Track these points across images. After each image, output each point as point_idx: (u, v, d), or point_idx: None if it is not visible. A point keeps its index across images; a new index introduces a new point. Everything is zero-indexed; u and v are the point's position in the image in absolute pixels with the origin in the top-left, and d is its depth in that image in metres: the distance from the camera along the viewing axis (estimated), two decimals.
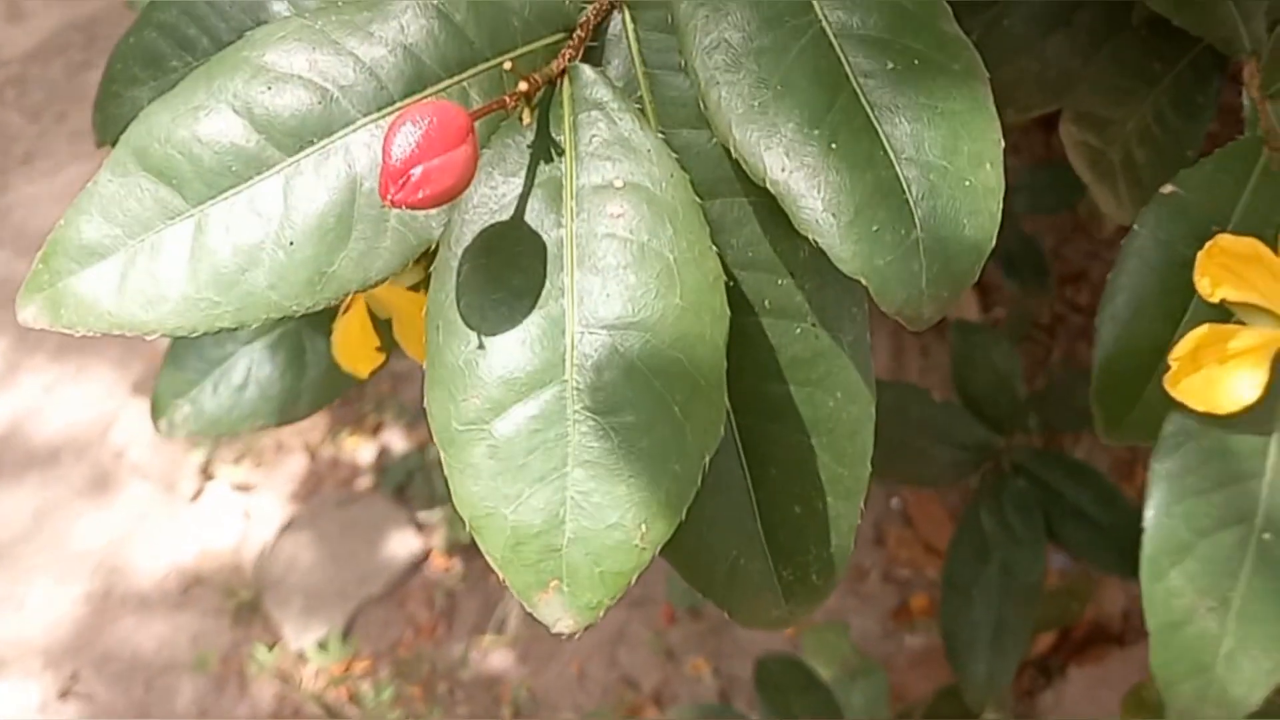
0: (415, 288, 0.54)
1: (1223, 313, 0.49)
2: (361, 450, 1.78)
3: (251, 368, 0.62)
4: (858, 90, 0.39)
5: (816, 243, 0.38)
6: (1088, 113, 0.69)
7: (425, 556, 1.69)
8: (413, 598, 1.67)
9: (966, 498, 1.11)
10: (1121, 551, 0.96)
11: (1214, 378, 0.48)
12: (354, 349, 0.58)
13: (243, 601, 1.67)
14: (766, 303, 0.43)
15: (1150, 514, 0.50)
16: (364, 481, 1.76)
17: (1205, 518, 0.49)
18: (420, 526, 1.71)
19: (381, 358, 0.57)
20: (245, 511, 1.76)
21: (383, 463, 1.77)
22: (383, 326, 0.57)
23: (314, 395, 0.62)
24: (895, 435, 0.99)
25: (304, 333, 0.62)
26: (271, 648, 1.63)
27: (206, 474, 1.79)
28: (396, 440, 1.77)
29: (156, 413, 0.61)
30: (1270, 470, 0.49)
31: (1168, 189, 0.52)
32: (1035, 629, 1.09)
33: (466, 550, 1.68)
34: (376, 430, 1.79)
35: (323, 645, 1.63)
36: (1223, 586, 0.49)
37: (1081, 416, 1.06)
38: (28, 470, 1.79)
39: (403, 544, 1.69)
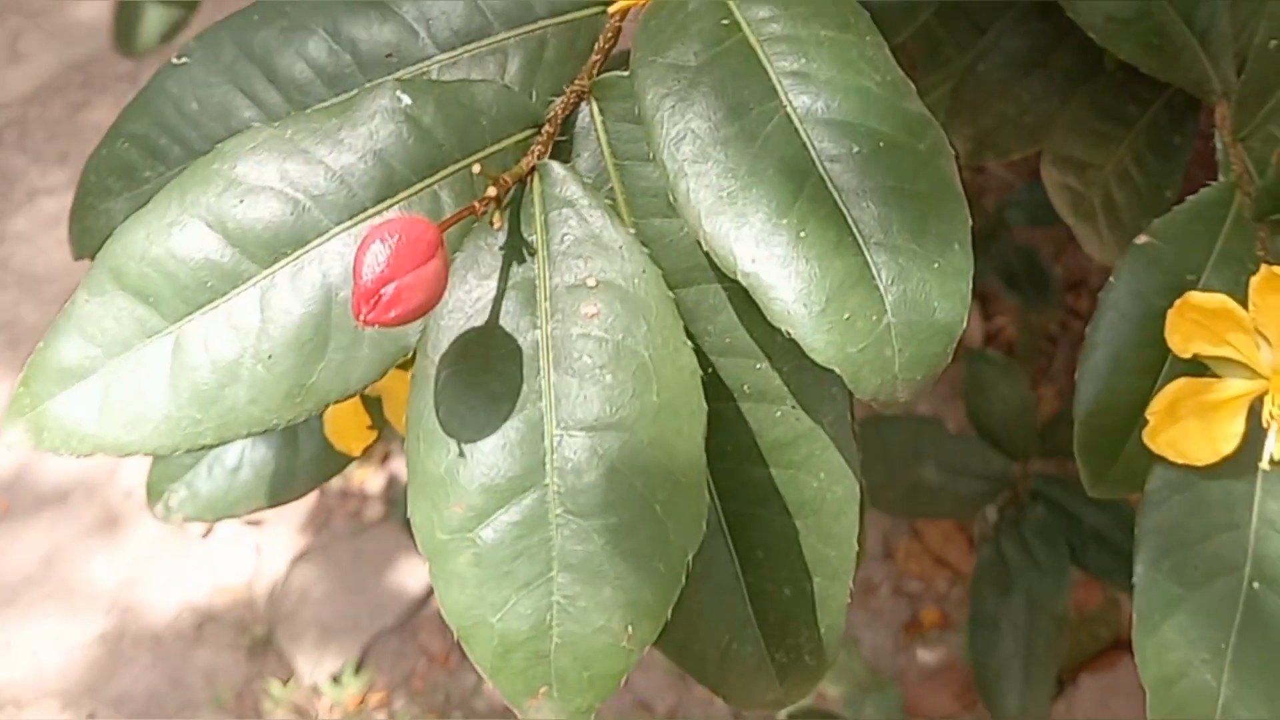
0: (404, 366, 0.55)
1: (1200, 364, 0.49)
2: (370, 480, 1.77)
3: (245, 450, 0.62)
4: (824, 176, 0.39)
5: (789, 334, 0.38)
6: (1067, 155, 0.68)
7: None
8: (425, 627, 1.67)
9: (966, 508, 1.11)
10: None
11: (1192, 430, 0.48)
12: (346, 428, 0.58)
13: (256, 637, 1.67)
14: (745, 388, 0.43)
15: (1139, 569, 0.49)
16: (374, 511, 1.75)
17: (1194, 570, 0.49)
18: None
19: (373, 435, 0.58)
20: (256, 546, 1.75)
21: (391, 493, 1.76)
22: (373, 405, 0.58)
23: (309, 475, 0.62)
24: (911, 473, 0.99)
25: None
26: (286, 682, 1.62)
27: None
28: (405, 469, 1.76)
29: (152, 498, 0.61)
30: (1255, 519, 0.49)
31: (1142, 240, 0.51)
32: (1064, 657, 1.08)
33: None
34: (385, 460, 1.79)
35: (336, 679, 1.62)
36: (1215, 638, 0.48)
37: None
38: (38, 512, 1.79)
39: (414, 574, 1.69)
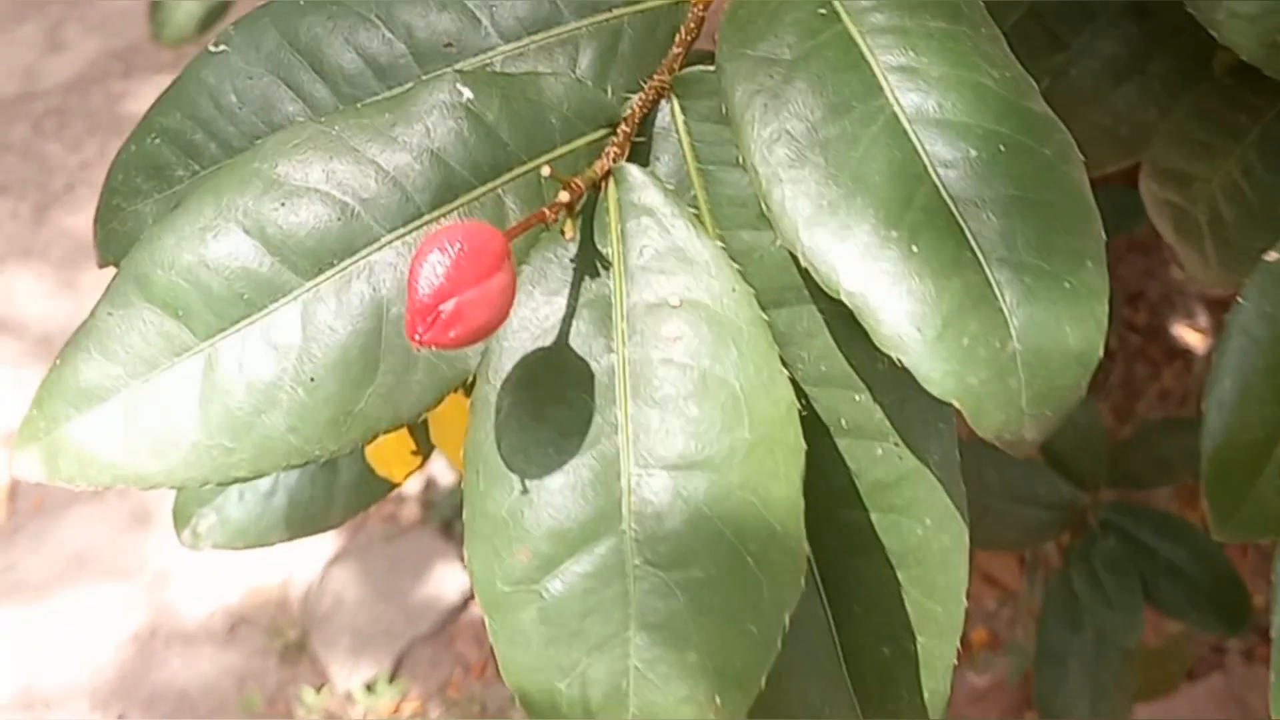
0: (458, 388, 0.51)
1: None
2: (409, 483, 1.76)
3: (280, 473, 0.58)
4: (938, 184, 0.35)
5: (900, 361, 0.34)
6: (1169, 168, 0.65)
7: (474, 593, 1.67)
8: (461, 635, 1.65)
9: (1032, 538, 1.07)
10: (1224, 612, 0.92)
11: None
12: (389, 453, 0.55)
13: (289, 641, 1.67)
14: (843, 422, 0.40)
15: (1278, 621, 0.45)
16: (411, 515, 1.75)
17: None
18: None
19: (418, 461, 0.55)
20: (291, 548, 1.74)
21: (430, 496, 1.75)
22: (419, 428, 0.54)
23: (347, 502, 0.59)
24: (975, 500, 0.95)
25: None
26: (319, 689, 1.62)
27: None
28: (444, 472, 1.75)
29: (179, 523, 0.58)
30: None
31: (1272, 256, 0.48)
32: (1135, 695, 1.04)
33: None
34: (424, 461, 1.77)
35: (370, 687, 1.61)
36: None
37: (1165, 469, 1.03)
38: (71, 509, 1.79)
39: (451, 580, 1.68)
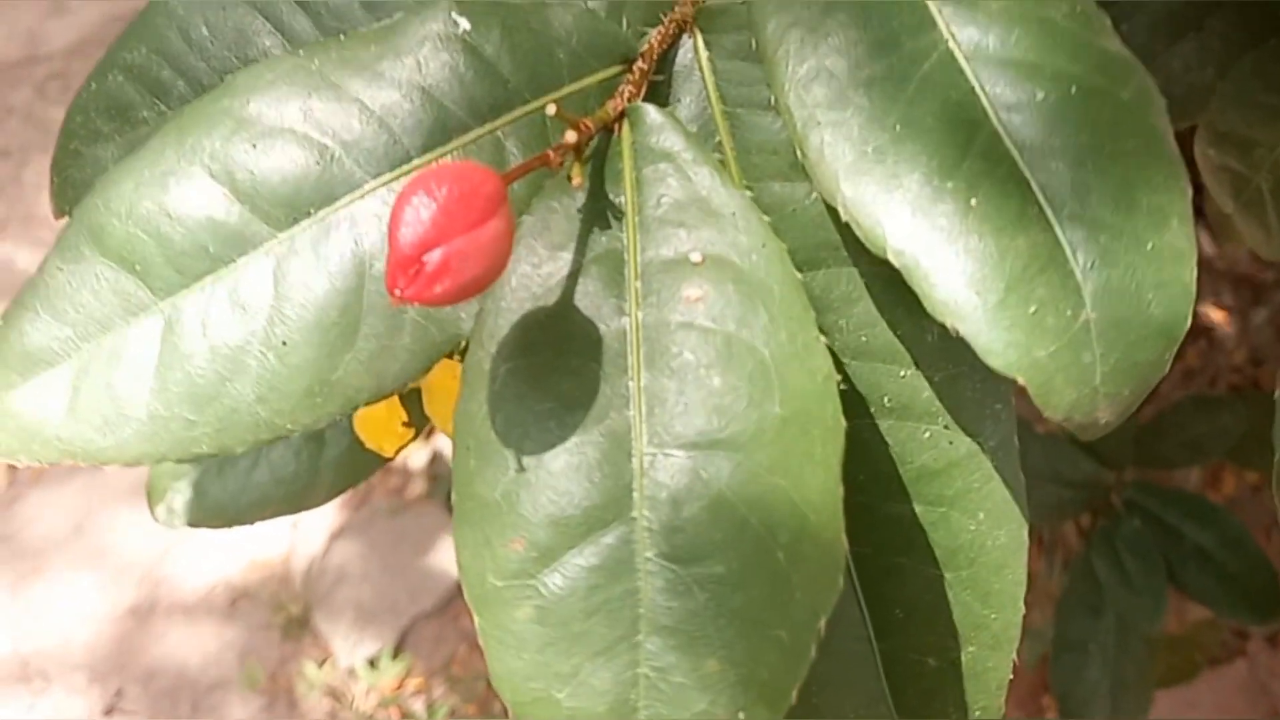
0: (451, 354, 0.48)
1: None
2: (414, 455, 1.76)
3: (262, 446, 0.55)
4: (1000, 129, 0.33)
5: (956, 330, 0.32)
6: (1228, 132, 0.62)
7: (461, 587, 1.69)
8: (466, 611, 1.64)
9: (1052, 518, 1.07)
10: (1254, 600, 0.90)
11: None
12: (379, 425, 0.52)
13: (292, 616, 1.67)
14: (886, 400, 0.38)
15: None
16: (416, 489, 1.75)
17: None
18: None
19: (409, 434, 0.52)
20: (293, 521, 1.75)
21: (436, 469, 1.75)
22: (411, 398, 0.52)
23: (334, 477, 0.56)
24: None
25: None
26: (321, 664, 1.62)
27: None
28: (450, 444, 1.75)
29: (153, 499, 0.56)
30: None
31: None
32: (1156, 683, 1.03)
33: None
34: (430, 434, 1.77)
35: (373, 662, 1.62)
36: None
37: (1194, 449, 1.01)
38: (72, 479, 1.79)
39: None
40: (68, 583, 1.71)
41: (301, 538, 1.72)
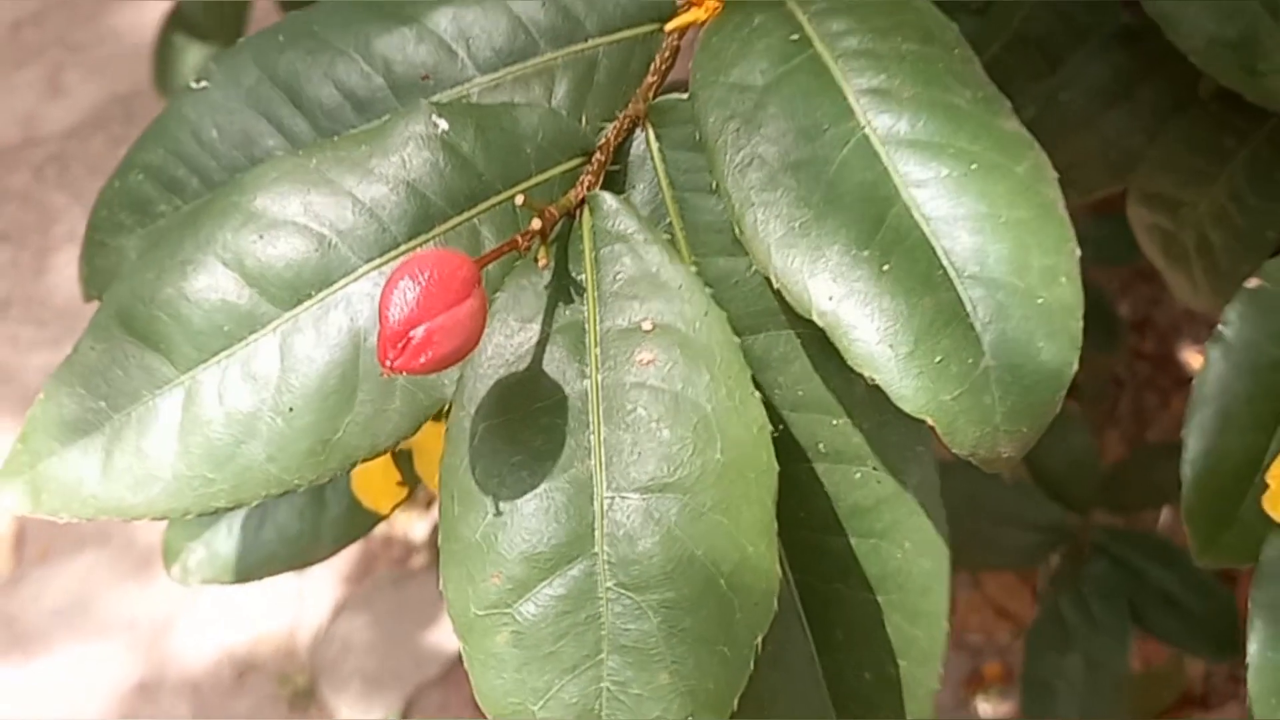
0: (437, 417, 0.52)
1: None
2: (415, 527, 1.75)
3: (268, 507, 0.59)
4: (910, 203, 0.36)
5: (873, 379, 0.35)
6: (1156, 193, 0.65)
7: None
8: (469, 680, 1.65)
9: (1022, 562, 1.08)
10: (1217, 639, 0.91)
11: None
12: (375, 485, 0.56)
13: (298, 687, 1.65)
14: (821, 446, 0.40)
15: (1253, 649, 0.45)
16: (419, 559, 1.74)
17: None
18: None
19: (404, 493, 0.55)
20: (298, 593, 1.73)
21: (436, 539, 1.74)
22: (403, 459, 0.55)
23: (336, 534, 0.59)
24: (967, 523, 0.96)
25: None
26: None
27: None
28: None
29: (168, 559, 0.59)
30: None
31: (1253, 283, 0.48)
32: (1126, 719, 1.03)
33: None
34: (430, 504, 1.77)
35: None
36: None
37: (1159, 492, 1.03)
38: (78, 554, 1.77)
39: None
40: (75, 659, 1.68)
41: (306, 610, 1.70)
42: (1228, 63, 0.53)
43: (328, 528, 0.58)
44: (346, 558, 1.74)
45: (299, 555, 0.58)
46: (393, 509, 0.55)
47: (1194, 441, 0.49)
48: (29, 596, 1.74)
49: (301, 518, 0.58)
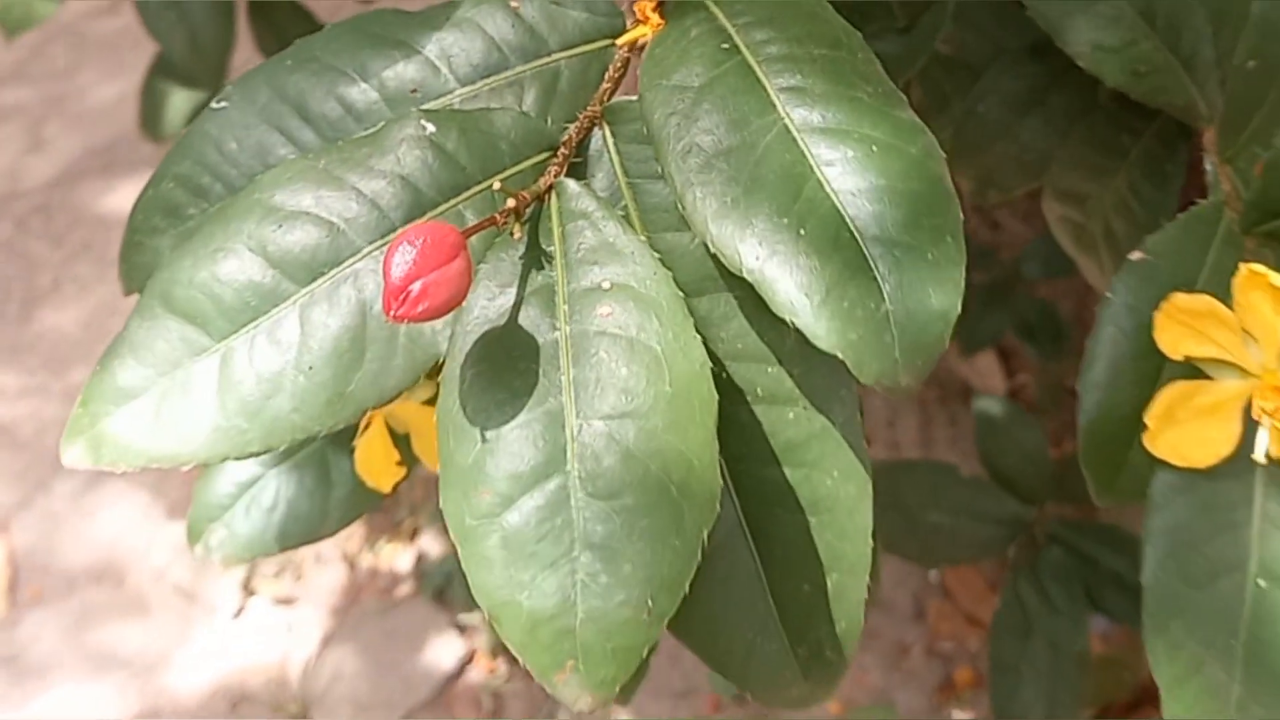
0: (429, 403, 0.56)
1: (1196, 371, 0.49)
2: (400, 557, 1.77)
3: (280, 489, 0.63)
4: (821, 178, 0.40)
5: (794, 323, 0.39)
6: (1067, 189, 0.69)
7: (469, 659, 1.67)
8: (459, 701, 1.64)
9: (1005, 567, 1.10)
10: None
11: (1189, 433, 0.49)
12: (376, 465, 0.59)
13: (291, 717, 1.66)
14: (759, 390, 0.44)
15: (1147, 571, 0.50)
16: (404, 588, 1.75)
17: (1199, 570, 0.49)
18: (462, 629, 1.69)
19: (403, 471, 0.59)
20: (288, 625, 1.74)
21: (421, 568, 1.75)
22: (402, 442, 0.59)
23: (342, 512, 0.63)
24: (928, 517, 0.99)
25: (328, 453, 0.64)
26: None
27: (248, 590, 1.78)
28: (433, 545, 1.76)
29: (192, 537, 0.63)
30: (1257, 518, 0.49)
31: (1136, 255, 0.52)
32: (1088, 701, 1.07)
33: (510, 650, 1.66)
34: (414, 536, 1.77)
35: None
36: (1225, 636, 0.48)
37: None
38: (69, 596, 1.78)
39: (446, 648, 1.67)
40: (72, 697, 1.68)
41: (296, 641, 1.72)
42: (1112, 67, 0.57)
43: (334, 507, 0.63)
44: (333, 589, 1.73)
45: (309, 532, 0.62)
46: (394, 488, 0.59)
47: (1088, 395, 0.53)
48: (25, 639, 1.75)
49: (311, 499, 0.62)
